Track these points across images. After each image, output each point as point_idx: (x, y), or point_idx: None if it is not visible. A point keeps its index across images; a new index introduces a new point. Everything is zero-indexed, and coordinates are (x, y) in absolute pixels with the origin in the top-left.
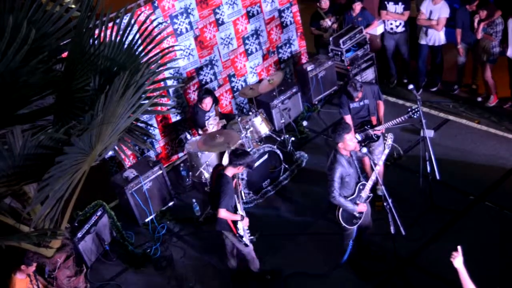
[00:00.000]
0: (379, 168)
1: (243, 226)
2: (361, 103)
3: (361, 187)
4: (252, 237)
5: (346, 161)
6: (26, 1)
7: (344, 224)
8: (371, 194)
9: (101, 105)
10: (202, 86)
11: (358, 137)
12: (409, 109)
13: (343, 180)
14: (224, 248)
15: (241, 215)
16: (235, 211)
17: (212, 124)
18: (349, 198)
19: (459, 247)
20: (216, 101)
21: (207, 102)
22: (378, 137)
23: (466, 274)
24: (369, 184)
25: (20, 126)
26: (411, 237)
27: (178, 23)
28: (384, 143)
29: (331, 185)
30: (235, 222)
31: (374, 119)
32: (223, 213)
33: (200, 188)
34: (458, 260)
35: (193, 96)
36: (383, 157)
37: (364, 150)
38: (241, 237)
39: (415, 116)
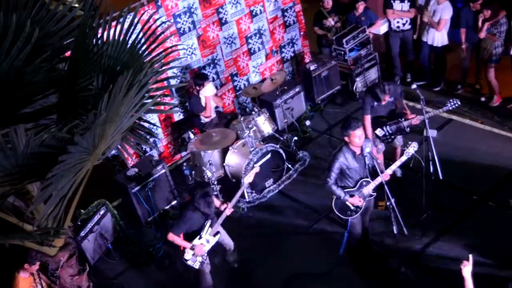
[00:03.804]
0: (382, 166)
1: (192, 252)
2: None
3: (364, 183)
4: (202, 261)
5: (351, 155)
6: (29, 0)
7: (337, 213)
8: (374, 194)
9: (104, 104)
10: None
11: (388, 130)
12: (448, 102)
13: (343, 172)
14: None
15: (192, 245)
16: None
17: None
18: (347, 190)
19: (470, 256)
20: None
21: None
22: (411, 129)
23: (472, 285)
24: (373, 183)
25: (24, 125)
26: (414, 237)
27: (181, 22)
28: (404, 150)
29: (327, 172)
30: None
31: (408, 113)
32: (171, 237)
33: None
34: (467, 269)
35: None
36: (398, 163)
37: (368, 149)
38: (186, 260)
39: (452, 107)
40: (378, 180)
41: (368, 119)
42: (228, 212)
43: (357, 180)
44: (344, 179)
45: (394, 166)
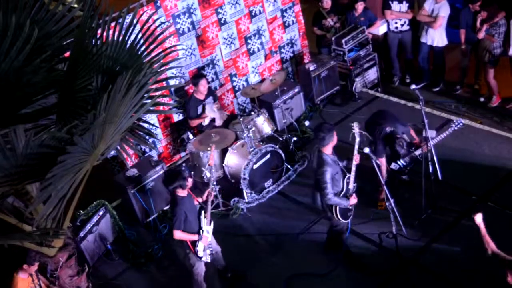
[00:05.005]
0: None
1: (203, 246)
2: None
3: (347, 180)
4: (213, 252)
5: (332, 160)
6: (29, 1)
7: (342, 220)
8: (356, 184)
9: (103, 105)
10: None
11: (402, 162)
12: (453, 123)
13: (334, 179)
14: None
15: (199, 235)
16: (198, 228)
17: (211, 112)
18: (341, 194)
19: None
20: (215, 97)
21: (203, 84)
22: (421, 157)
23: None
24: (352, 176)
25: (23, 125)
26: (413, 237)
27: (180, 23)
28: (353, 133)
29: (325, 187)
30: (193, 241)
31: (418, 141)
32: (177, 235)
33: (202, 188)
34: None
35: None
36: (356, 146)
37: (366, 150)
38: (200, 257)
39: (457, 127)
40: (353, 169)
41: (384, 161)
42: (211, 197)
43: (341, 181)
44: (333, 186)
45: (356, 151)
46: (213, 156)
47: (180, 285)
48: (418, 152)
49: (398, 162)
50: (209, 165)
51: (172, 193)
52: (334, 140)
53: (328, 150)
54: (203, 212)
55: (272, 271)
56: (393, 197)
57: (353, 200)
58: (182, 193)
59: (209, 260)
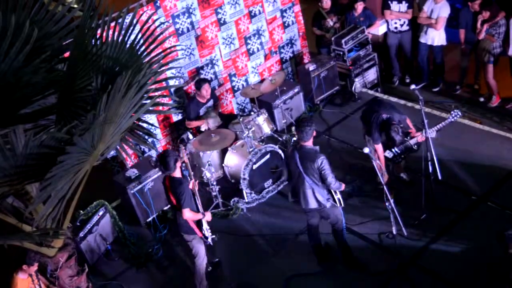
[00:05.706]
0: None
1: (206, 226)
2: None
3: None
4: (213, 236)
5: (318, 150)
6: (28, 1)
7: (342, 205)
8: None
9: (103, 105)
10: None
11: (397, 150)
12: (451, 112)
13: None
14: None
15: (203, 213)
16: (197, 210)
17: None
18: None
19: None
20: (216, 100)
21: (206, 88)
22: (418, 146)
23: None
24: None
25: (23, 126)
26: (413, 237)
27: (179, 23)
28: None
29: (329, 174)
30: (198, 224)
31: (413, 131)
32: (187, 214)
33: (201, 187)
34: None
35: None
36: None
37: (366, 150)
38: (206, 238)
39: (455, 118)
40: None
41: (380, 148)
42: (197, 187)
43: None
44: None
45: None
46: (185, 155)
47: (180, 285)
48: (413, 142)
49: (393, 150)
50: (184, 162)
51: (169, 177)
52: (315, 133)
53: (311, 142)
54: (195, 196)
55: (272, 271)
56: (393, 197)
57: (343, 184)
58: (179, 173)
59: (212, 243)
